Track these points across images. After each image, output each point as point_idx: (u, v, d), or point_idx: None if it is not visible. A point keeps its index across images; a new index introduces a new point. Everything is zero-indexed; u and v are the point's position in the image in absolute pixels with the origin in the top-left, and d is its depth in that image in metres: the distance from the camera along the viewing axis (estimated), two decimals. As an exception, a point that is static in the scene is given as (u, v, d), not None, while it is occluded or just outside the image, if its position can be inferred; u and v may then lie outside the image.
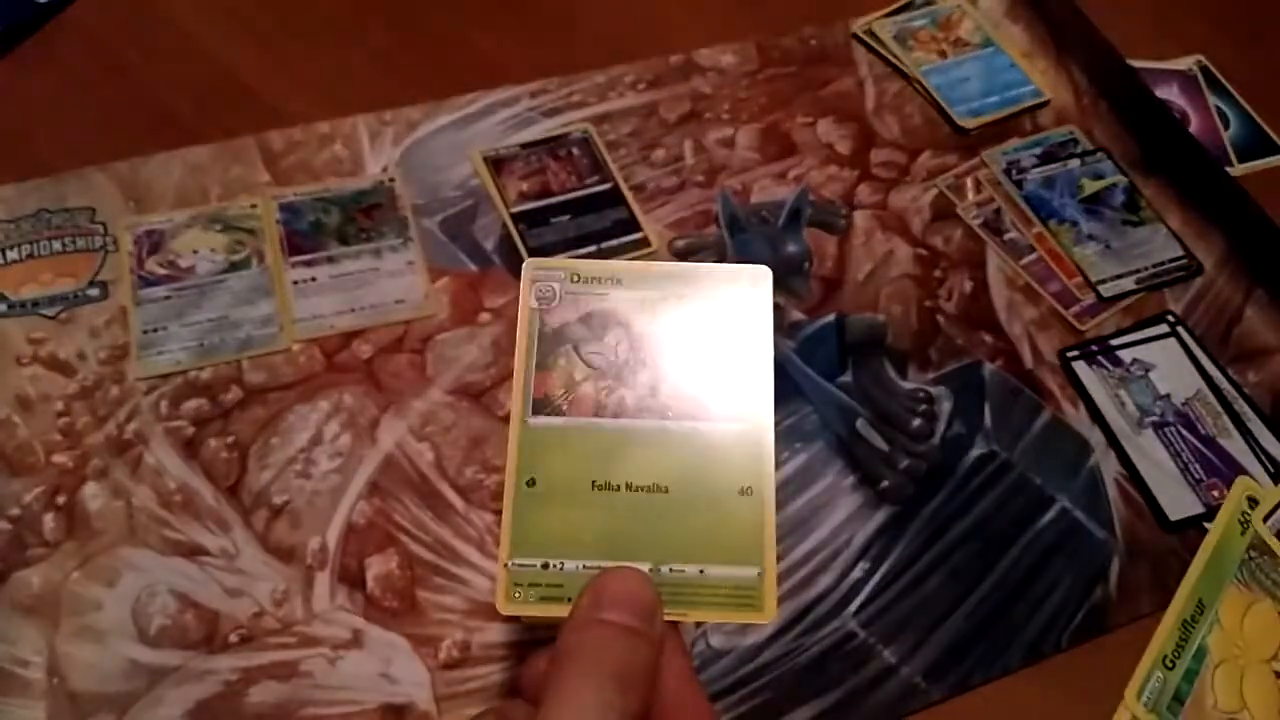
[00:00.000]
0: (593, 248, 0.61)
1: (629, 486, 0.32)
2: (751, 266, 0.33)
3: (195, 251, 0.59)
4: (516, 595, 0.31)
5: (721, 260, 0.62)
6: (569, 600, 0.30)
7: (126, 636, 0.47)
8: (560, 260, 0.33)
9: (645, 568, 0.31)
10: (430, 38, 0.71)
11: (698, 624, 0.46)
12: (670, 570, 0.31)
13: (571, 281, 0.33)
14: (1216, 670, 0.45)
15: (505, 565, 0.31)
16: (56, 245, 0.58)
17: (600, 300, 0.33)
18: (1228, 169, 0.70)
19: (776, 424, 0.55)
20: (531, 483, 0.32)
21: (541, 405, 0.32)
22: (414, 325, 0.58)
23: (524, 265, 0.33)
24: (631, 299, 0.33)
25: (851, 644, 0.50)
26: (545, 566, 0.31)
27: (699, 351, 0.33)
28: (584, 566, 0.31)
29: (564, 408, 0.32)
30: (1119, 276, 0.64)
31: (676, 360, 0.33)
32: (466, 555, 0.51)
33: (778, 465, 0.54)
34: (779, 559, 0.52)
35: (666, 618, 0.30)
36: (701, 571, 0.31)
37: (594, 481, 0.32)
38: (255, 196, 0.61)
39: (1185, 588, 0.48)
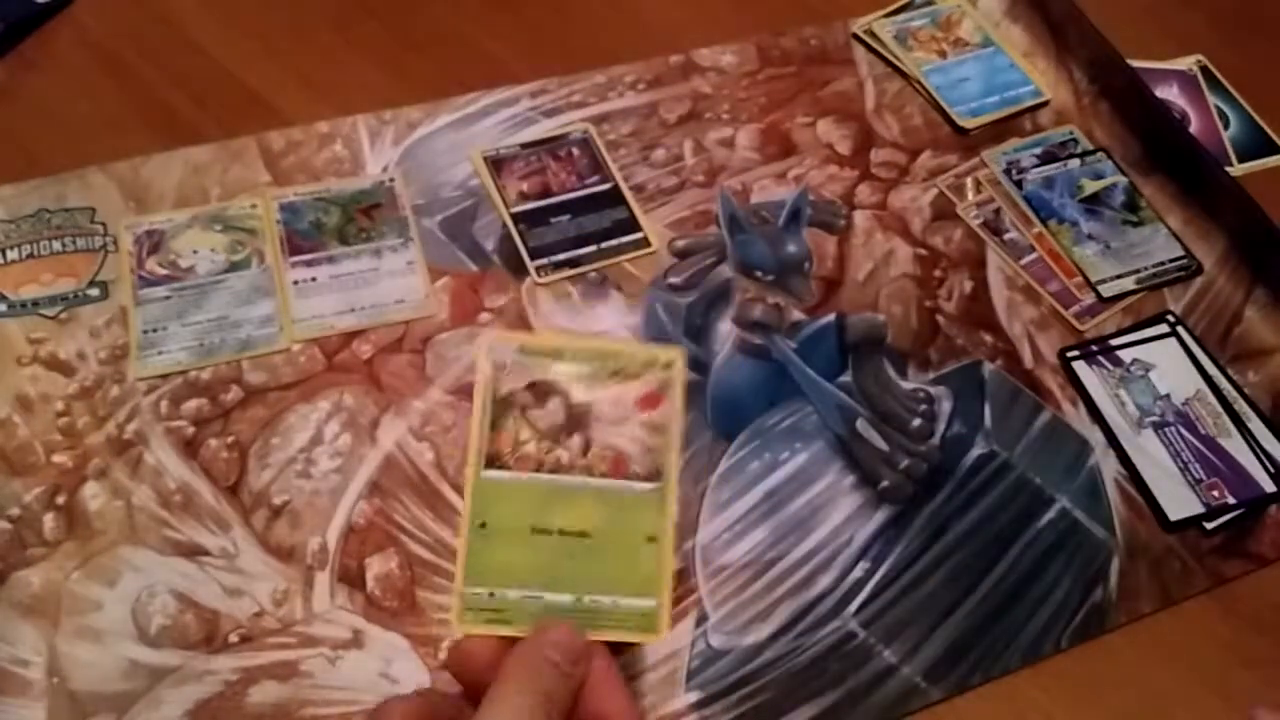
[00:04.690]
0: (593, 248, 0.61)
1: (561, 531, 0.38)
2: (666, 348, 0.40)
3: (195, 251, 0.59)
4: (468, 617, 0.38)
5: (721, 260, 0.62)
6: (509, 623, 0.38)
7: (126, 636, 0.47)
8: (512, 334, 0.41)
9: (570, 597, 0.38)
10: (430, 37, 0.71)
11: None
12: (590, 600, 0.38)
13: (521, 353, 0.39)
14: None
15: (460, 593, 0.38)
16: (56, 245, 0.58)
17: (544, 370, 0.39)
18: (1228, 169, 0.70)
19: (777, 424, 0.56)
20: (483, 525, 0.38)
21: (493, 460, 0.38)
22: (414, 325, 0.58)
23: (478, 341, 0.41)
24: (570, 372, 0.39)
25: (851, 644, 0.50)
26: (491, 595, 0.38)
27: (622, 419, 0.39)
28: (523, 595, 0.38)
29: (511, 463, 0.38)
30: (1119, 276, 0.64)
31: (604, 426, 0.39)
32: (466, 555, 0.51)
33: (778, 465, 0.55)
34: (778, 558, 0.52)
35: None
36: (615, 601, 0.38)
37: (533, 526, 0.38)
38: (255, 196, 0.61)
39: None
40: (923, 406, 0.58)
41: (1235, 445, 0.58)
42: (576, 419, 0.39)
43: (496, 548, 0.38)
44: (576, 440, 0.39)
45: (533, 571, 0.38)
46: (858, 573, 0.52)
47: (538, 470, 0.39)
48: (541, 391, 0.39)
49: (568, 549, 0.38)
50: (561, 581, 0.38)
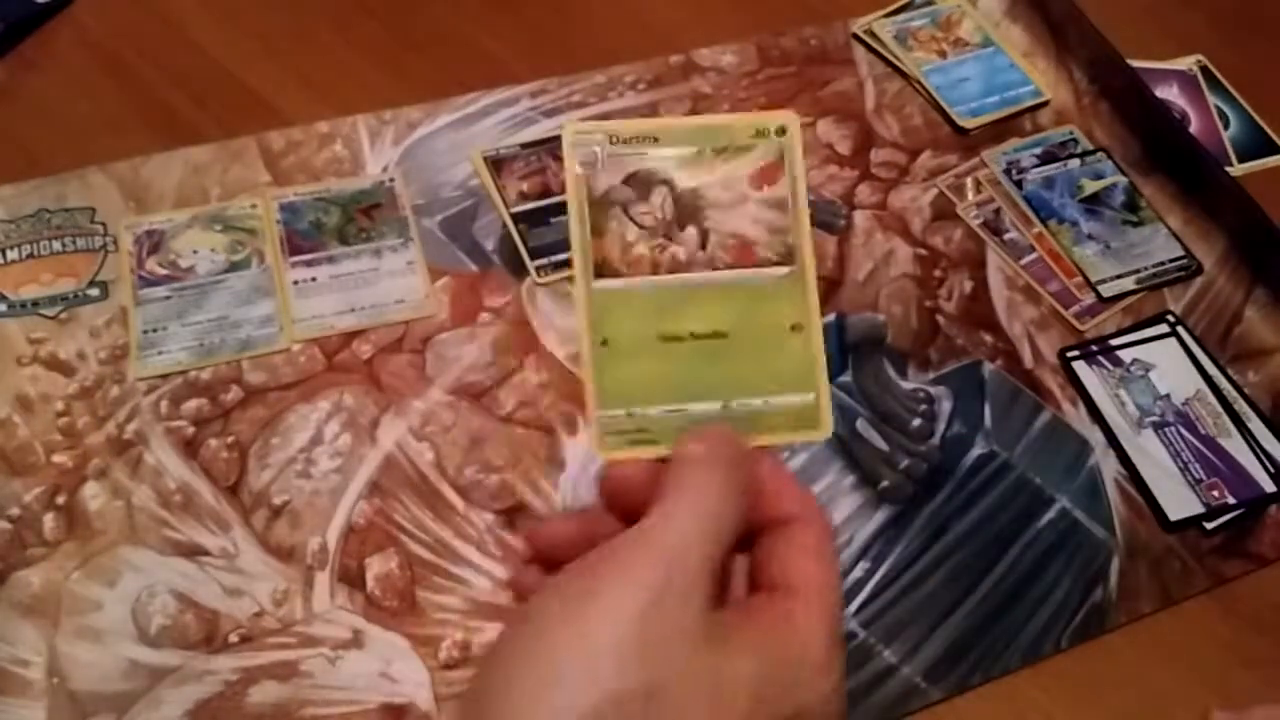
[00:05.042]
0: (593, 247, 0.61)
1: (692, 335, 0.34)
2: (778, 114, 0.35)
3: (195, 251, 0.59)
4: (610, 442, 0.34)
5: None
6: (656, 442, 0.33)
7: (126, 636, 0.47)
8: (598, 124, 0.34)
9: (717, 404, 0.34)
10: (430, 37, 0.71)
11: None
12: (739, 404, 0.34)
13: (611, 144, 0.34)
14: None
15: (596, 419, 0.34)
16: (56, 245, 0.58)
17: (641, 160, 0.34)
18: (1228, 169, 0.70)
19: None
20: (604, 342, 0.34)
21: (601, 269, 0.34)
22: (414, 325, 0.58)
23: (563, 129, 0.34)
24: (670, 156, 0.35)
25: (851, 644, 0.50)
26: (630, 414, 0.34)
27: (739, 201, 0.35)
28: (664, 410, 0.34)
29: (623, 269, 0.34)
30: (1119, 276, 0.64)
31: (719, 212, 0.35)
32: (466, 555, 0.51)
33: (778, 465, 0.54)
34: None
35: None
36: (766, 401, 0.34)
37: (660, 334, 0.34)
38: (255, 196, 0.61)
39: None
40: (923, 406, 0.58)
41: (1235, 445, 0.58)
42: (688, 209, 0.35)
43: (625, 364, 0.35)
44: (691, 232, 0.35)
45: (670, 383, 0.35)
46: (858, 573, 0.52)
47: (654, 272, 0.35)
48: (643, 183, 0.35)
49: (705, 353, 0.35)
50: (704, 389, 0.34)
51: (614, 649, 0.26)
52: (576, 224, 0.34)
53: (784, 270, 0.35)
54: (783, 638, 0.29)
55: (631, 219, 0.34)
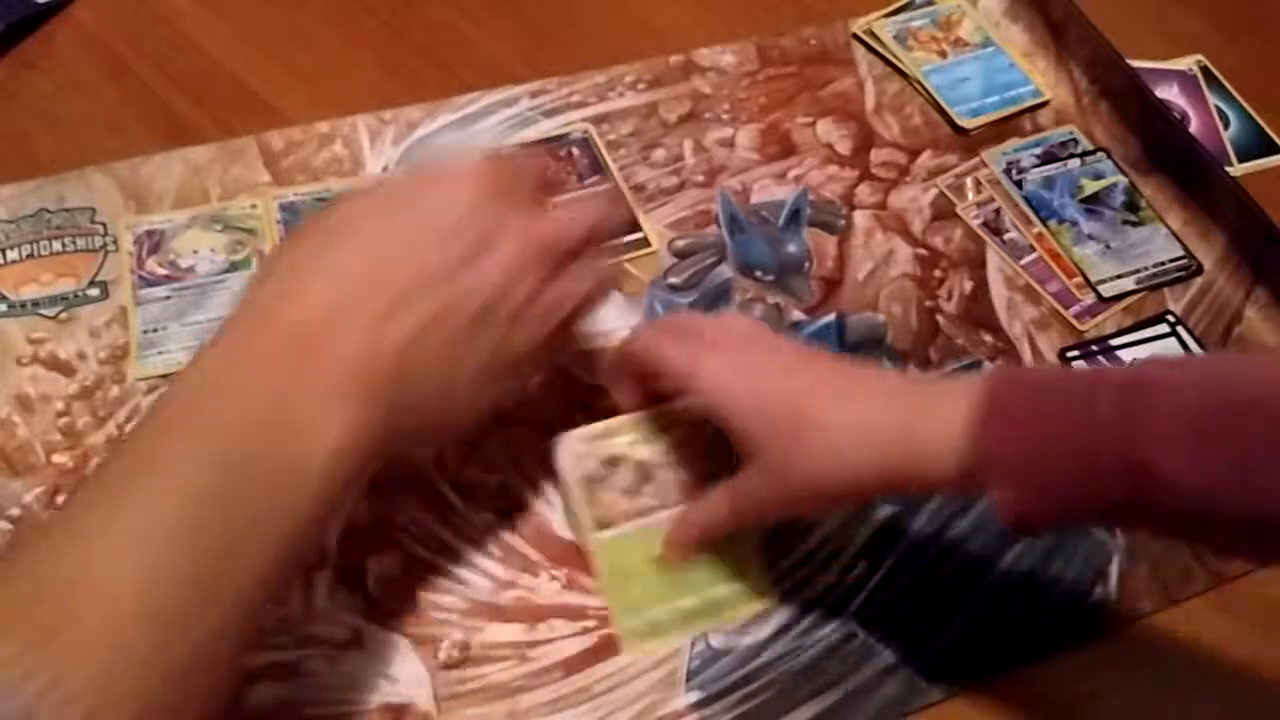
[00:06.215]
0: (593, 248, 0.61)
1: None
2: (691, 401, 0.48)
3: (195, 251, 0.59)
4: (632, 645, 0.49)
5: (721, 260, 0.62)
6: (668, 636, 0.49)
7: (126, 636, 0.47)
8: (576, 432, 0.50)
9: (696, 598, 0.50)
10: (430, 37, 0.71)
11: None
12: (708, 595, 0.50)
13: (583, 441, 0.50)
14: None
15: (620, 629, 0.49)
16: (56, 245, 0.58)
17: (609, 449, 0.50)
18: (1228, 169, 0.70)
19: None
20: (616, 573, 0.49)
21: (601, 524, 0.49)
22: (414, 325, 0.58)
23: (560, 446, 0.49)
24: (626, 441, 0.50)
25: (852, 644, 0.50)
26: (645, 618, 0.49)
27: (680, 463, 0.50)
28: (667, 609, 0.49)
29: (613, 522, 0.49)
30: (1119, 276, 0.64)
31: (667, 469, 0.50)
32: (466, 555, 0.51)
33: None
34: (779, 559, 0.52)
35: None
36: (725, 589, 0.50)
37: (651, 557, 0.49)
38: (255, 196, 0.61)
39: None
40: (923, 406, 0.57)
41: (1235, 445, 0.58)
42: (646, 473, 0.49)
43: (633, 585, 0.48)
44: (651, 487, 0.49)
45: (666, 588, 0.49)
46: (858, 572, 0.52)
47: (639, 517, 0.49)
48: (611, 463, 0.49)
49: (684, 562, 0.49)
50: (686, 584, 0.49)
51: None
52: (578, 501, 0.49)
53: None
54: None
55: (609, 487, 0.49)
